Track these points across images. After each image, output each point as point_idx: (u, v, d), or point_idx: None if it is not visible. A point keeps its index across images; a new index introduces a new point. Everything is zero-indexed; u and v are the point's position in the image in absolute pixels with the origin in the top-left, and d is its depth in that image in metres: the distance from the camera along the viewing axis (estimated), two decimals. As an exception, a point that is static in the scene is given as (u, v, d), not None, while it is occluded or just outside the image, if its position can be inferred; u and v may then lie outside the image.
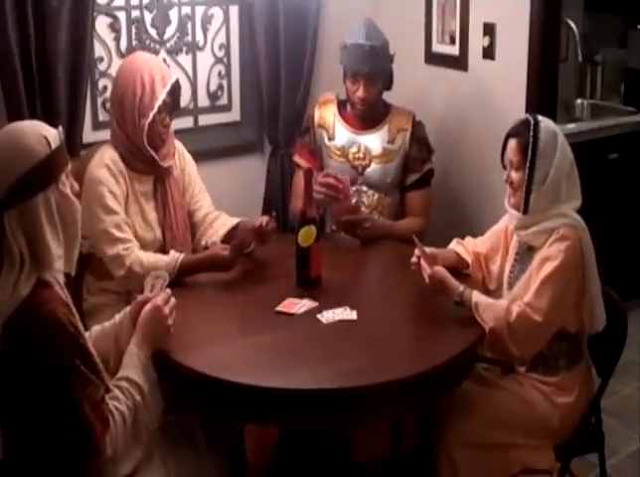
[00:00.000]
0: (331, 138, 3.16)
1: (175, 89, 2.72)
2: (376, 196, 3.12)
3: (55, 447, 1.84)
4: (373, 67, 2.99)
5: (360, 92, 3.02)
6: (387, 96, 3.19)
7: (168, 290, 2.19)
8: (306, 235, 2.51)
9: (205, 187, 2.94)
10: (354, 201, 3.07)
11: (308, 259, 2.52)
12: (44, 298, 1.83)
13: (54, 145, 1.87)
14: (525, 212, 2.40)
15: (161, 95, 2.61)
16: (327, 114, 3.18)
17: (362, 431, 2.67)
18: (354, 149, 3.12)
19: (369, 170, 3.12)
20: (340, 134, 3.15)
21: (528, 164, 2.36)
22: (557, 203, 2.38)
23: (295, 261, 2.55)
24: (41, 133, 1.88)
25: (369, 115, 3.11)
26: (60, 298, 1.88)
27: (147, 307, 2.12)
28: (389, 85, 3.13)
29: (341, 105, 3.19)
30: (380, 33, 3.09)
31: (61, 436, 1.83)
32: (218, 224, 2.87)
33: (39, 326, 1.80)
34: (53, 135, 1.90)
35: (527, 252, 2.47)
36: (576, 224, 2.38)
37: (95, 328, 2.23)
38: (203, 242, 2.84)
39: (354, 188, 3.12)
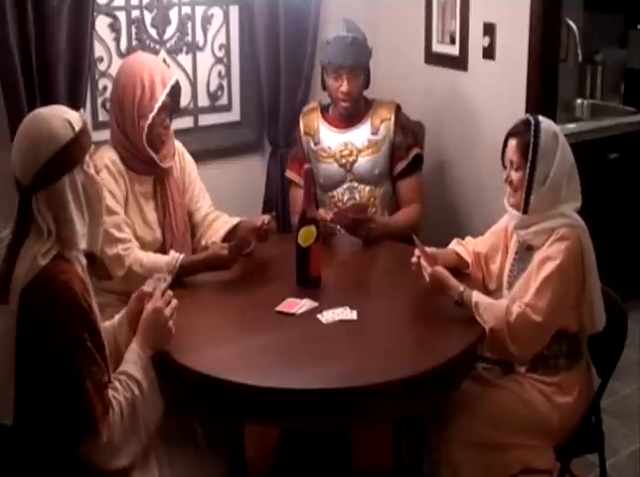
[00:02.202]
0: (317, 142, 3.18)
1: (175, 91, 2.71)
2: (367, 189, 3.14)
3: (55, 419, 1.87)
4: (356, 58, 3.02)
5: (344, 87, 3.02)
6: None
7: (170, 292, 2.18)
8: (306, 234, 2.52)
9: (204, 188, 2.94)
10: (347, 198, 3.12)
11: (308, 259, 2.53)
12: (60, 269, 1.89)
13: (77, 128, 1.93)
14: (525, 211, 2.40)
15: (161, 97, 2.61)
16: (311, 121, 3.21)
17: (363, 437, 2.65)
18: (340, 148, 3.14)
19: (356, 165, 3.14)
20: (325, 137, 3.17)
21: (528, 164, 2.36)
22: (557, 203, 2.38)
23: (295, 261, 2.55)
24: (64, 117, 1.93)
25: (352, 112, 3.12)
26: (76, 273, 1.93)
27: (149, 309, 2.12)
28: (367, 83, 3.14)
29: (324, 110, 3.22)
30: (358, 28, 3.11)
31: (61, 408, 1.86)
32: (218, 224, 2.87)
33: (51, 294, 1.84)
34: (76, 118, 1.95)
35: (526, 252, 2.47)
36: (576, 224, 2.38)
37: None
38: (203, 243, 2.84)
39: (345, 185, 3.14)
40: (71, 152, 1.91)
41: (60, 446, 1.89)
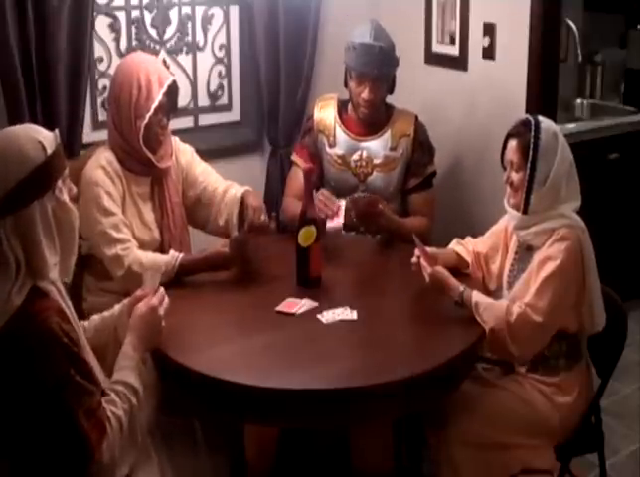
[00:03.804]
0: (331, 145, 3.09)
1: (172, 91, 2.70)
2: None
3: (51, 457, 1.82)
4: (382, 69, 2.93)
5: (365, 94, 2.95)
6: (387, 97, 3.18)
7: (162, 290, 2.16)
8: (306, 234, 2.51)
9: (207, 166, 2.91)
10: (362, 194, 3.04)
11: (308, 259, 2.52)
12: (37, 308, 1.80)
13: (49, 150, 1.83)
14: (524, 212, 2.40)
15: (157, 97, 2.60)
16: (327, 118, 3.11)
17: (362, 437, 2.65)
18: (355, 157, 3.07)
19: (370, 178, 3.07)
20: (340, 141, 3.09)
21: (529, 165, 2.35)
22: (556, 203, 2.38)
23: (295, 261, 2.54)
24: (36, 138, 1.83)
25: (371, 119, 3.04)
26: (54, 307, 1.84)
27: (142, 307, 2.09)
28: (391, 90, 3.09)
29: (342, 108, 3.12)
30: (387, 34, 3.02)
31: (56, 447, 1.81)
32: (228, 198, 2.82)
33: (31, 336, 1.77)
34: (48, 140, 1.85)
35: (526, 252, 2.47)
36: (576, 224, 2.38)
37: (95, 318, 2.23)
38: (221, 222, 2.82)
39: (354, 195, 3.05)
40: (41, 176, 1.80)
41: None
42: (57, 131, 1.90)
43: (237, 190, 2.85)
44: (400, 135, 3.07)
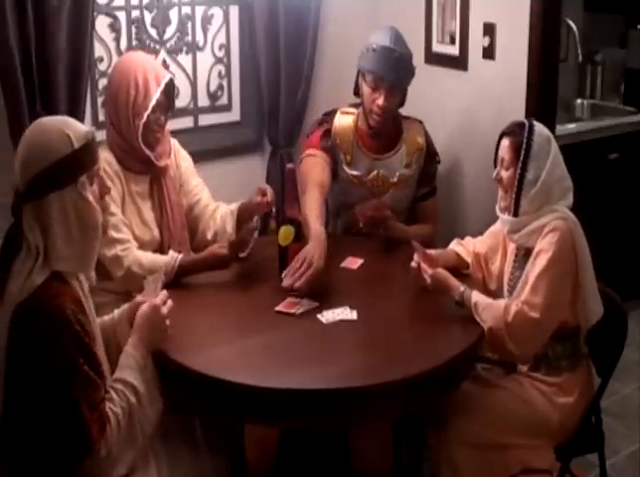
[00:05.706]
0: (349, 164, 3.02)
1: (169, 89, 2.70)
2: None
3: (50, 443, 1.83)
4: (399, 77, 2.89)
5: (380, 101, 2.89)
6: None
7: (165, 292, 2.17)
8: (284, 234, 2.51)
9: (202, 181, 2.93)
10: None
11: (285, 259, 2.51)
12: (54, 291, 1.83)
13: (77, 145, 1.86)
14: (515, 214, 2.40)
15: (155, 95, 2.60)
16: (346, 133, 3.01)
17: (362, 437, 2.65)
18: (371, 176, 3.03)
19: (387, 195, 3.04)
20: (359, 162, 3.02)
21: (520, 164, 2.36)
22: (547, 205, 2.38)
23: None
24: (65, 131, 1.86)
25: (382, 128, 2.99)
26: (71, 294, 1.87)
27: (145, 307, 2.11)
28: (402, 102, 3.04)
29: (358, 121, 3.03)
30: (405, 43, 2.96)
31: (57, 433, 1.82)
32: (220, 213, 2.84)
33: (44, 319, 1.80)
34: (79, 134, 1.88)
35: (523, 258, 2.46)
36: (567, 216, 2.38)
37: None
38: (209, 236, 2.83)
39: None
40: (62, 170, 1.84)
41: (58, 466, 1.86)
42: (93, 128, 1.95)
43: (229, 206, 2.86)
44: (413, 150, 3.05)
